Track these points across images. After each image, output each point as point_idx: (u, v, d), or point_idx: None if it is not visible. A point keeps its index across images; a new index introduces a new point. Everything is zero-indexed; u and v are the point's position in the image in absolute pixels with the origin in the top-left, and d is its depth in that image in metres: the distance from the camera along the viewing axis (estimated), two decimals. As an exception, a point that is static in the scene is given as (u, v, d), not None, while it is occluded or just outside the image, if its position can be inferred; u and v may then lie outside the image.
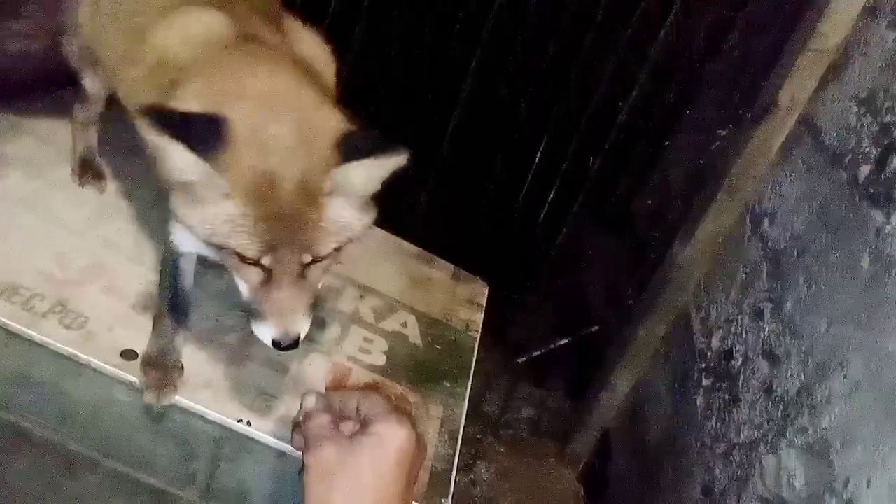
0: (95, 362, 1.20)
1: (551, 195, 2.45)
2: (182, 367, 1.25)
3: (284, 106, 1.01)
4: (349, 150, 0.97)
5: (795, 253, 1.52)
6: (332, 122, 1.01)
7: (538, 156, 2.41)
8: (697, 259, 1.90)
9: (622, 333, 2.13)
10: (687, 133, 2.10)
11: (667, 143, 2.10)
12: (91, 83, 1.51)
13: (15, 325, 1.19)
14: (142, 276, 1.38)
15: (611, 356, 2.16)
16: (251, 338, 1.07)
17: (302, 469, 0.96)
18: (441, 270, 1.86)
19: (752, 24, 1.92)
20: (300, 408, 1.04)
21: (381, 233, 1.86)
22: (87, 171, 1.59)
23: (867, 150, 1.39)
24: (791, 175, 1.64)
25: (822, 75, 1.64)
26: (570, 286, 2.54)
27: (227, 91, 1.01)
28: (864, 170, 1.38)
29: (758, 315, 1.59)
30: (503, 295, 2.01)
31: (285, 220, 0.97)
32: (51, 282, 1.29)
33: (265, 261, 0.99)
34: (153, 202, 1.47)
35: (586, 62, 2.24)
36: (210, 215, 0.97)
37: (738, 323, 1.66)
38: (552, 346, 2.48)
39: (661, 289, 1.99)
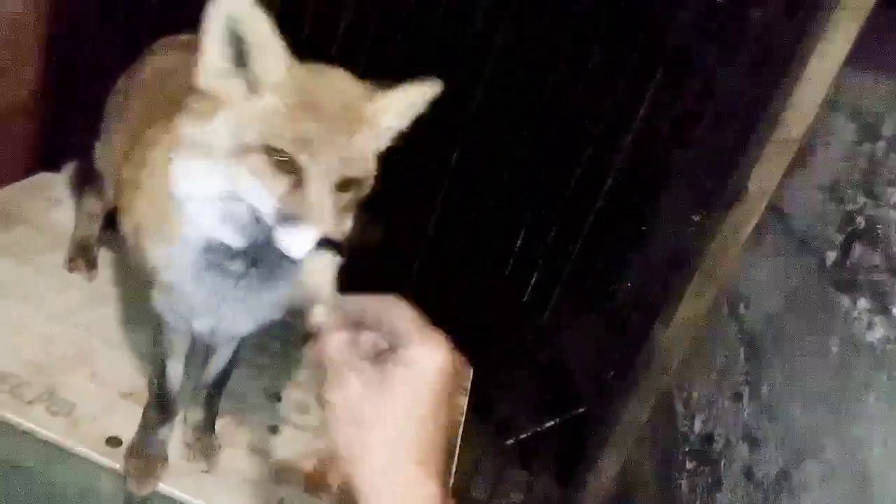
0: (81, 449, 1.21)
1: (535, 276, 2.51)
2: (166, 458, 1.26)
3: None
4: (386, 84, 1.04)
5: (770, 336, 1.55)
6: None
7: (521, 238, 2.48)
8: (678, 341, 1.93)
9: (607, 415, 2.14)
10: (663, 218, 2.17)
11: (644, 227, 2.17)
12: (109, 186, 1.56)
13: (2, 413, 1.20)
14: (130, 363, 1.41)
15: (597, 438, 2.17)
16: (233, 425, 1.08)
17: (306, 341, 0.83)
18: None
19: (719, 115, 2.01)
20: (308, 321, 0.85)
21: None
22: (80, 257, 1.63)
23: (832, 236, 1.45)
24: (763, 259, 1.70)
25: (788, 164, 1.71)
26: (556, 366, 2.56)
27: None
28: (831, 255, 1.43)
29: (737, 398, 1.61)
30: (488, 374, 2.02)
31: (326, 117, 0.97)
32: (38, 369, 1.31)
33: (301, 159, 0.95)
34: (139, 291, 1.50)
35: (565, 150, 2.34)
36: (246, 111, 0.98)
37: (718, 405, 1.68)
38: (539, 428, 2.47)
39: (643, 370, 2.01)
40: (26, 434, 1.21)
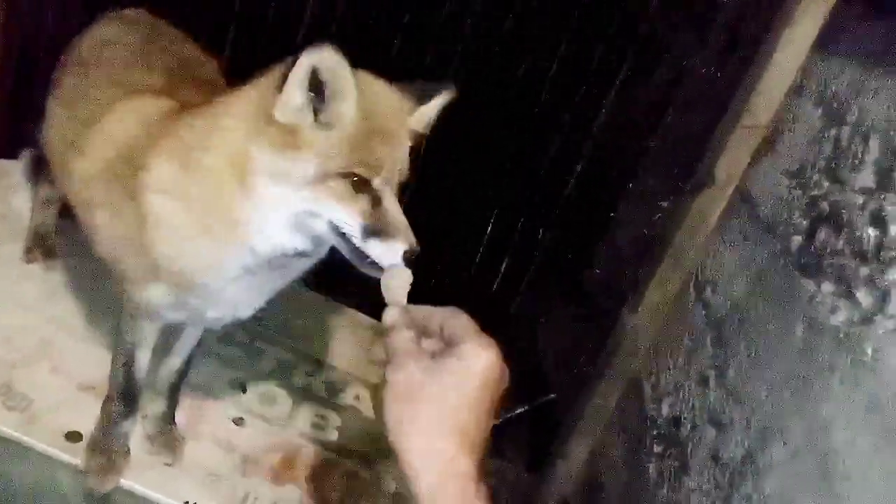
0: (39, 445, 1.18)
1: (504, 265, 2.50)
2: (128, 451, 1.23)
3: None
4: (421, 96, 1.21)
5: (736, 320, 1.56)
6: None
7: (490, 227, 2.47)
8: (646, 326, 1.94)
9: (577, 401, 2.15)
10: (632, 205, 2.17)
11: (613, 214, 2.17)
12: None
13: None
14: (90, 355, 1.38)
15: (567, 424, 2.17)
16: (197, 417, 1.06)
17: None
18: (395, 342, 1.87)
19: (687, 102, 2.02)
20: (383, 319, 0.99)
21: (334, 305, 1.87)
22: (38, 247, 1.58)
23: (798, 221, 1.46)
24: (730, 245, 1.71)
25: (754, 150, 1.72)
26: (526, 354, 2.56)
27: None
28: (796, 240, 1.44)
29: (703, 382, 1.62)
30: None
31: (390, 139, 1.13)
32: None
33: (376, 182, 1.10)
34: (104, 277, 1.47)
35: (534, 137, 2.33)
36: (332, 142, 1.09)
37: (685, 389, 1.69)
38: (510, 415, 2.48)
39: (613, 356, 2.02)
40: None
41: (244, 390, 1.41)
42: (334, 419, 1.51)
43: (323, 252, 1.21)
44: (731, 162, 1.75)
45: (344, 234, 1.11)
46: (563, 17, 2.20)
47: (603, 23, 2.17)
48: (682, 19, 2.12)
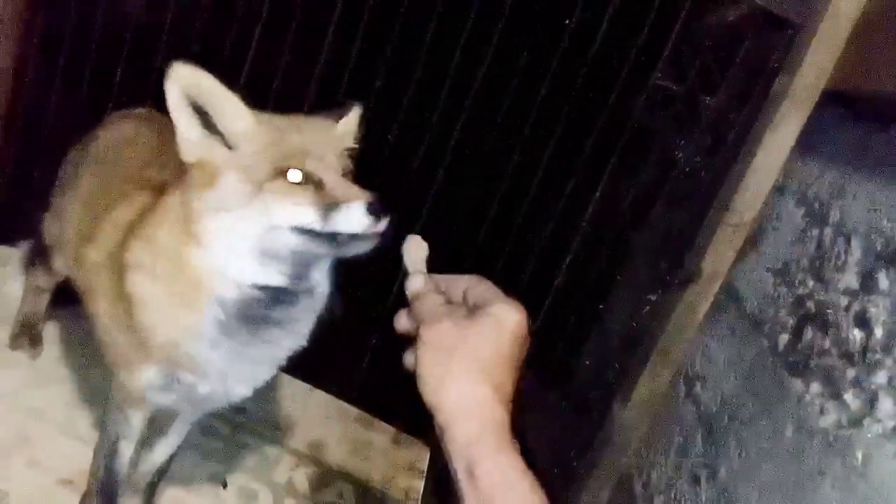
0: (9, 545, 1.14)
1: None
2: None
3: None
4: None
5: (726, 418, 1.55)
6: None
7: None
8: (636, 421, 1.92)
9: (566, 497, 2.10)
10: (620, 297, 2.19)
11: (601, 306, 2.18)
12: (59, 260, 1.55)
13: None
14: (70, 448, 1.35)
15: (556, 522, 2.12)
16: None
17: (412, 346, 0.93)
18: (382, 434, 1.84)
19: (673, 197, 2.06)
20: (406, 290, 1.02)
21: (321, 395, 1.85)
22: (25, 335, 1.57)
23: (784, 319, 1.47)
24: (718, 340, 1.71)
25: (739, 247, 1.75)
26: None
27: None
28: (783, 338, 1.45)
29: (695, 481, 1.59)
30: (444, 455, 1.98)
31: (306, 131, 1.15)
32: None
33: (309, 167, 1.09)
34: (89, 367, 1.45)
35: (521, 228, 2.37)
36: (245, 151, 1.09)
37: (677, 489, 1.66)
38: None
39: (602, 451, 1.99)
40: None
41: (224, 486, 1.38)
42: (317, 517, 1.46)
43: (309, 294, 1.25)
44: (717, 258, 1.78)
45: (310, 230, 1.10)
46: (552, 110, 2.27)
47: (591, 118, 2.24)
48: (668, 117, 2.19)
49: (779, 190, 1.70)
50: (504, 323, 0.93)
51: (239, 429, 1.58)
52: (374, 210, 1.09)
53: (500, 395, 0.90)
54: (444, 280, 1.03)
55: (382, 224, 1.10)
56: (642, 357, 1.90)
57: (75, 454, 1.33)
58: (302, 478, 1.55)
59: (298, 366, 1.89)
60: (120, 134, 1.50)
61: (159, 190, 1.27)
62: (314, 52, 2.33)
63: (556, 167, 2.29)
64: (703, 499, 1.53)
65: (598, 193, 2.22)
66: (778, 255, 1.59)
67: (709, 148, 1.96)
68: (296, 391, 1.76)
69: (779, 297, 1.53)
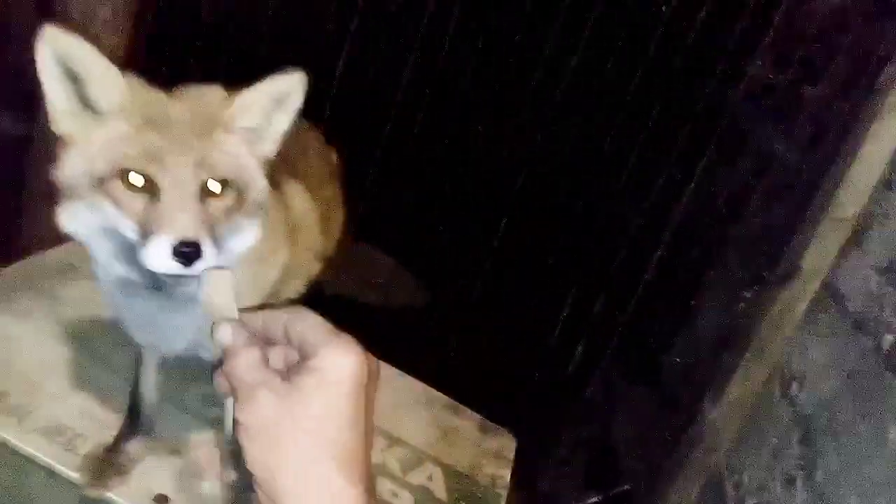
0: (127, 505, 1.23)
1: (580, 348, 2.49)
2: (125, 472, 1.27)
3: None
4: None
5: (825, 420, 1.51)
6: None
7: (567, 309, 2.47)
8: (728, 419, 1.88)
9: (653, 494, 2.08)
10: (713, 293, 2.14)
11: (693, 301, 2.14)
12: None
13: (57, 466, 1.24)
14: (183, 421, 1.43)
15: (642, 519, 2.10)
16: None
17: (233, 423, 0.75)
18: (468, 421, 1.87)
19: (773, 191, 2.00)
20: (214, 343, 0.81)
21: (409, 380, 1.90)
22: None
23: (890, 319, 1.41)
24: (817, 340, 1.66)
25: (842, 243, 1.69)
26: (599, 440, 2.50)
27: None
28: (888, 339, 1.39)
29: (790, 483, 1.55)
30: (530, 446, 2.00)
31: (174, 127, 0.97)
32: (93, 422, 1.34)
33: (151, 169, 0.94)
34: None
35: (614, 221, 2.35)
36: (94, 142, 0.97)
37: (770, 490, 1.62)
38: None
39: (692, 450, 1.96)
40: (74, 486, 1.24)
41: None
42: (407, 498, 1.51)
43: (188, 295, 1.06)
44: (818, 254, 1.72)
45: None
46: (645, 103, 2.24)
47: (689, 109, 2.20)
48: (768, 108, 2.12)
49: (885, 184, 1.62)
50: (332, 377, 0.75)
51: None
52: (179, 253, 0.91)
53: (346, 466, 0.74)
54: (260, 319, 0.83)
55: (195, 268, 0.91)
56: (736, 355, 1.86)
57: (183, 426, 1.41)
58: (393, 459, 1.59)
59: (389, 351, 1.96)
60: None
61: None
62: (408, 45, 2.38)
63: (650, 158, 2.26)
64: (798, 501, 1.49)
65: (692, 186, 2.17)
66: (883, 253, 1.53)
67: (810, 140, 1.89)
68: (386, 375, 1.79)
69: (884, 296, 1.47)
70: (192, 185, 0.96)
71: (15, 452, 1.26)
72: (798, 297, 1.74)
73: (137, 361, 1.34)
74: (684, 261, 2.22)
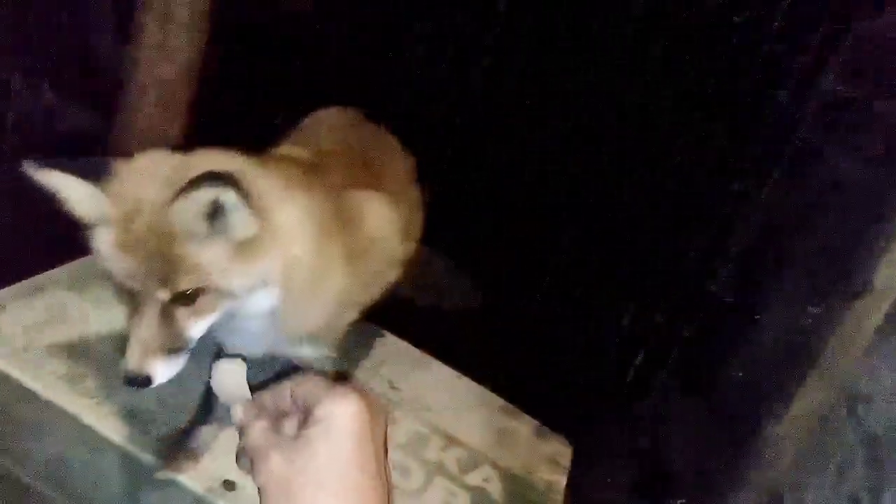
0: (198, 490, 1.27)
1: (639, 358, 2.47)
2: (195, 458, 1.31)
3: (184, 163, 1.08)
4: (184, 188, 0.96)
5: (894, 442, 1.47)
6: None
7: (628, 318, 2.45)
8: (789, 437, 1.85)
9: (708, 509, 2.05)
10: (779, 307, 2.10)
11: (757, 315, 2.11)
12: None
13: (131, 448, 1.28)
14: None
15: (697, 534, 2.07)
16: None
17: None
18: (525, 425, 1.87)
19: (844, 205, 1.96)
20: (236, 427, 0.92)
21: (466, 381, 1.91)
22: None
23: (967, 340, 1.37)
24: (888, 360, 1.62)
25: (918, 261, 1.65)
26: (654, 452, 2.47)
27: None
28: (965, 361, 1.35)
29: (855, 503, 1.52)
30: (583, 454, 1.99)
31: (140, 248, 1.00)
32: (167, 408, 1.39)
33: (133, 284, 1.02)
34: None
35: (680, 232, 2.33)
36: (98, 243, 1.03)
37: (834, 510, 1.59)
38: (636, 516, 2.38)
39: (750, 466, 1.93)
40: (147, 468, 1.28)
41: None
42: (463, 498, 1.52)
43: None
44: (892, 271, 1.68)
45: None
46: (715, 116, 2.22)
47: (757, 119, 2.17)
48: (838, 123, 2.08)
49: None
50: (336, 425, 0.80)
51: (394, 406, 1.67)
52: (130, 382, 1.01)
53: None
54: (269, 395, 0.91)
55: (151, 386, 1.03)
56: (800, 372, 1.83)
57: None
58: (451, 459, 1.61)
59: (447, 353, 1.97)
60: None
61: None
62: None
63: (719, 171, 2.24)
64: (865, 523, 1.46)
65: (761, 198, 2.14)
66: (962, 273, 1.49)
67: (882, 154, 1.85)
68: (444, 376, 1.83)
69: (962, 316, 1.43)
70: (158, 302, 1.02)
71: (92, 432, 1.30)
72: (868, 314, 1.70)
73: (215, 354, 1.37)
74: (750, 274, 2.18)
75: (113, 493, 1.34)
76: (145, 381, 1.01)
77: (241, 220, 1.01)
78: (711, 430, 2.27)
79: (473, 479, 1.57)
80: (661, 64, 2.23)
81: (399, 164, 1.67)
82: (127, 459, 1.29)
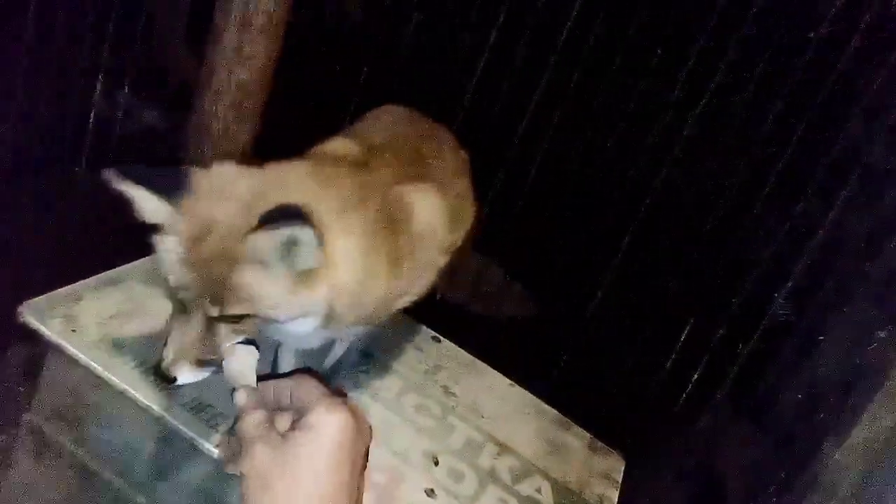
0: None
1: (696, 376, 2.44)
2: None
3: (265, 181, 1.12)
4: (263, 219, 0.99)
5: (963, 473, 1.43)
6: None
7: (686, 335, 2.43)
8: (850, 464, 1.81)
9: (763, 533, 2.01)
10: (843, 330, 2.06)
11: (821, 338, 2.06)
12: None
13: (199, 440, 1.33)
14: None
15: (750, 557, 2.04)
16: (398, 479, 1.12)
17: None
18: (578, 438, 1.87)
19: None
20: (234, 403, 0.99)
21: (519, 391, 1.92)
22: None
23: None
24: (958, 388, 1.57)
25: None
26: (708, 472, 2.44)
27: None
28: None
29: (919, 535, 1.48)
30: (635, 470, 1.97)
31: (203, 268, 1.03)
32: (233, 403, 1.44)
33: (187, 296, 1.05)
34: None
35: (743, 251, 2.30)
36: (163, 251, 1.07)
37: (895, 540, 1.55)
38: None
39: (809, 490, 1.89)
40: (212, 460, 1.33)
41: (436, 463, 1.48)
42: (515, 506, 1.53)
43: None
44: (963, 299, 1.63)
45: None
46: (785, 134, 2.19)
47: (829, 136, 2.14)
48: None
49: None
50: (321, 434, 0.86)
51: (448, 411, 1.69)
52: (158, 374, 1.09)
53: None
54: (272, 387, 0.98)
55: (174, 384, 1.09)
56: (863, 397, 1.78)
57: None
58: (504, 467, 1.62)
59: (501, 361, 1.99)
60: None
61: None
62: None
63: (786, 191, 2.21)
64: (928, 555, 1.42)
65: (829, 219, 2.10)
66: None
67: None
68: (497, 384, 1.84)
69: None
70: (204, 316, 1.05)
71: (161, 423, 1.35)
72: (938, 341, 1.66)
73: (277, 350, 1.43)
74: (814, 296, 2.14)
75: (177, 483, 1.39)
76: (171, 380, 1.07)
77: (309, 256, 1.02)
78: (767, 451, 2.23)
79: (525, 488, 1.58)
80: (732, 81, 2.22)
81: (450, 155, 1.68)
82: (194, 451, 1.34)
